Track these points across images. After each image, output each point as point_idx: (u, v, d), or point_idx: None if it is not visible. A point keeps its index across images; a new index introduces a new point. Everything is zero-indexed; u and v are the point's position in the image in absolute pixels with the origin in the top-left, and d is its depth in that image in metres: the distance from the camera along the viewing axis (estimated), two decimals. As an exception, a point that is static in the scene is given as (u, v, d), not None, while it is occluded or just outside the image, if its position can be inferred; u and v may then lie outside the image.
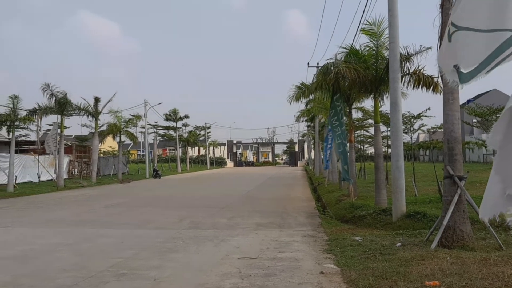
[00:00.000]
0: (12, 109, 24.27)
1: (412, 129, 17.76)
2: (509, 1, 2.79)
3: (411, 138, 18.57)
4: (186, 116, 58.65)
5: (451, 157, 7.67)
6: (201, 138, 74.35)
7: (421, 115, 17.07)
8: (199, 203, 17.37)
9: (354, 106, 18.88)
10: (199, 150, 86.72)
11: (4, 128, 25.67)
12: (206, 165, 74.23)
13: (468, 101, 51.90)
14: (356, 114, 22.10)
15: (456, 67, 3.16)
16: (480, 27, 2.97)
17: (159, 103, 53.46)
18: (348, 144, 16.28)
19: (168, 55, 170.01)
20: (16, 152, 27.51)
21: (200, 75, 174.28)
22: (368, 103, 19.50)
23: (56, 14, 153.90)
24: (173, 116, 56.76)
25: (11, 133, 25.36)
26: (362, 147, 31.22)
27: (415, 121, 17.44)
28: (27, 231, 11.03)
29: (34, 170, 29.84)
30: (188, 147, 68.23)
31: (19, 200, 20.05)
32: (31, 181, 28.98)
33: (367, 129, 25.20)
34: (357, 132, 25.16)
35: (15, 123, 24.82)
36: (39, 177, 29.61)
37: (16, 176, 25.36)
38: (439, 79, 11.54)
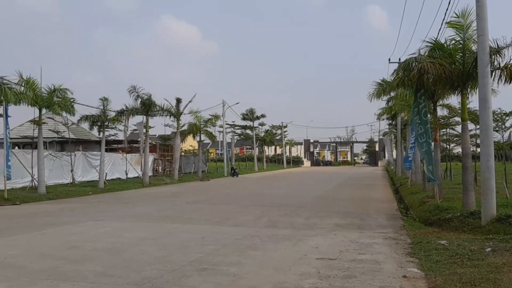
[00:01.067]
0: (103, 110, 25.98)
1: (503, 127, 16.49)
2: None
3: (502, 136, 17.24)
4: (263, 115, 59.29)
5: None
6: (277, 137, 74.66)
7: (515, 111, 15.83)
8: (276, 202, 17.44)
9: (439, 103, 17.94)
10: (275, 149, 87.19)
11: (95, 128, 27.53)
12: (282, 164, 74.48)
13: None
14: (441, 112, 20.98)
15: None
16: None
17: (236, 103, 54.64)
18: (433, 143, 15.47)
19: (245, 55, 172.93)
20: (106, 150, 29.39)
21: (276, 74, 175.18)
22: (454, 100, 18.39)
23: (142, 20, 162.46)
24: (250, 115, 57.60)
25: (101, 133, 27.18)
26: (448, 146, 29.54)
27: (507, 118, 16.18)
28: (116, 224, 11.73)
29: (122, 168, 31.71)
30: (265, 146, 68.87)
31: (109, 195, 21.40)
32: (119, 178, 30.82)
33: (453, 127, 23.82)
34: (443, 130, 23.84)
35: (105, 124, 26.54)
36: (126, 174, 31.43)
37: (106, 173, 27.10)
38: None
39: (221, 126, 50.16)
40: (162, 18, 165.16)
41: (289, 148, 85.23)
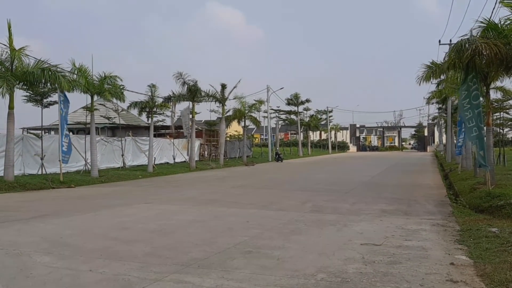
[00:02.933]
0: (151, 96, 26.65)
1: None
2: None
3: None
4: (308, 100, 58.86)
5: None
6: (322, 122, 73.98)
7: None
8: (321, 187, 17.38)
9: (492, 85, 17.17)
10: (320, 134, 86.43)
11: (144, 114, 28.31)
12: (327, 150, 73.83)
13: None
14: (494, 95, 20.09)
15: None
16: None
17: (281, 88, 54.37)
18: (485, 128, 14.87)
19: (290, 40, 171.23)
20: (154, 136, 30.19)
21: (323, 58, 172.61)
22: (508, 83, 17.60)
23: (187, 8, 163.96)
24: (294, 100, 57.33)
25: (150, 119, 27.92)
26: (501, 130, 28.30)
27: None
28: (165, 207, 12.11)
29: (170, 153, 32.53)
30: (310, 131, 68.43)
31: (158, 179, 22.06)
32: (167, 162, 31.64)
33: (507, 111, 22.80)
34: (496, 114, 22.86)
35: (153, 110, 27.23)
36: (174, 159, 32.24)
37: (154, 158, 27.91)
38: None
39: (265, 111, 50.29)
40: (206, 5, 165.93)
41: (335, 133, 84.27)
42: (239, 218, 10.05)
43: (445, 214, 10.56)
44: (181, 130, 35.26)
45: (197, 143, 34.85)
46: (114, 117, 31.10)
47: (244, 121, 39.63)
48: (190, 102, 30.63)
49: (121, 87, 22.85)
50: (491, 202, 11.20)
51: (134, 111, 29.22)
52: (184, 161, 32.54)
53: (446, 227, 8.81)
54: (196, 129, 33.23)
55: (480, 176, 16.69)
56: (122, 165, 26.52)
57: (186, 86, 29.21)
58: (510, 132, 31.88)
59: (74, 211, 11.39)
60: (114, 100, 25.40)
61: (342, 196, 14.30)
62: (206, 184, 19.07)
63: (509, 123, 24.75)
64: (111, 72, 22.03)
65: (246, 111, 38.59)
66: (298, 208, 11.67)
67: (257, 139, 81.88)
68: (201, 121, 54.83)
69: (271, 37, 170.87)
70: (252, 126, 45.55)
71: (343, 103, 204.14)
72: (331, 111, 75.00)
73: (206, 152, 39.11)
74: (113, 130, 35.82)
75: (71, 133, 25.42)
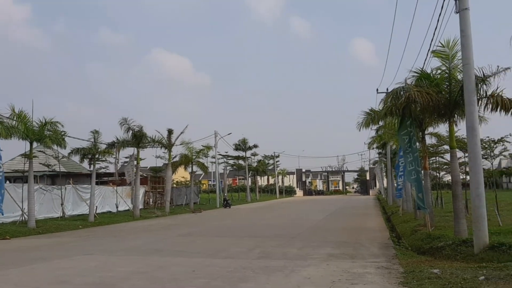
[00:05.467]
0: (93, 143, 25.92)
1: (492, 154, 16.67)
2: None
3: (492, 164, 17.42)
4: (255, 146, 59.50)
5: (538, 183, 7.10)
6: (270, 167, 74.70)
7: (503, 139, 16.03)
8: (269, 233, 17.32)
9: (427, 131, 18.17)
10: (268, 179, 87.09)
11: (86, 161, 27.39)
12: (275, 194, 74.22)
13: (555, 123, 48.17)
14: (429, 140, 21.21)
15: None
16: None
17: (229, 134, 54.34)
18: (422, 171, 15.59)
19: (237, 87, 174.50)
20: (97, 183, 29.14)
21: (268, 105, 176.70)
22: (443, 128, 18.67)
23: (132, 54, 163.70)
24: (242, 145, 57.77)
25: (92, 166, 27.03)
26: (438, 174, 29.75)
27: (495, 146, 16.38)
28: (106, 258, 11.54)
29: (113, 201, 31.40)
30: (257, 176, 68.76)
31: (99, 229, 21.12)
32: (109, 211, 30.46)
33: (442, 155, 24.05)
34: (432, 158, 24.05)
35: (96, 156, 26.43)
36: (117, 207, 31.10)
37: (96, 207, 26.81)
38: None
39: (213, 157, 50.14)
40: (152, 52, 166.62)
41: (282, 178, 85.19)
42: (185, 268, 9.74)
43: (389, 256, 10.77)
44: (125, 177, 34.36)
45: (141, 190, 33.97)
46: (54, 165, 29.82)
47: (191, 167, 39.26)
48: (135, 148, 30.07)
49: (62, 133, 22.12)
50: (432, 243, 11.59)
51: (76, 158, 28.18)
52: (128, 210, 31.48)
53: (390, 269, 8.96)
54: (140, 175, 32.48)
55: (420, 218, 17.31)
56: (61, 214, 25.25)
57: (131, 131, 28.74)
58: (446, 175, 33.51)
59: (9, 264, 10.60)
60: (55, 147, 24.46)
61: (289, 241, 14.30)
62: (151, 233, 18.47)
63: (444, 167, 26.03)
64: (52, 117, 21.34)
65: (194, 157, 38.33)
66: (246, 255, 11.51)
67: (204, 185, 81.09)
68: (146, 167, 53.71)
69: (217, 83, 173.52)
70: (199, 172, 45.19)
71: (289, 148, 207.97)
72: (278, 156, 76.12)
73: (151, 200, 38.11)
74: (53, 178, 34.29)
75: (7, 182, 24.07)
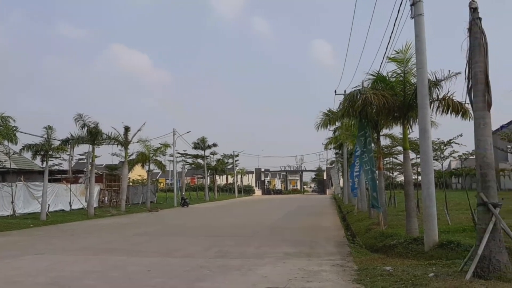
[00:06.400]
0: (47, 139, 25.04)
1: (442, 156, 17.32)
2: None
3: (442, 165, 18.10)
4: (214, 145, 59.20)
5: (484, 183, 7.45)
6: (229, 166, 74.64)
7: (451, 141, 16.70)
8: (227, 232, 17.32)
9: (382, 133, 18.67)
10: (227, 178, 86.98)
11: (39, 158, 26.43)
12: (234, 193, 74.22)
13: (502, 127, 50.63)
14: (384, 141, 21.81)
15: None
16: None
17: (188, 132, 53.71)
18: (377, 171, 16.03)
19: (196, 85, 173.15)
20: (49, 181, 28.20)
21: (228, 103, 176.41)
22: (396, 130, 19.26)
23: (91, 49, 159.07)
24: (201, 144, 57.37)
25: (45, 163, 26.10)
26: (391, 174, 30.65)
27: (445, 147, 17.04)
28: (58, 258, 11.19)
29: (66, 199, 30.45)
30: (216, 175, 68.53)
31: (51, 228, 20.43)
32: (63, 210, 29.53)
33: (396, 156, 24.80)
34: (386, 159, 24.75)
35: (49, 153, 25.55)
36: (70, 206, 30.18)
37: (48, 205, 25.93)
38: (469, 105, 11.31)
39: (171, 155, 49.59)
40: (111, 48, 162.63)
41: (241, 177, 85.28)
42: (141, 267, 9.58)
43: (344, 254, 11.00)
44: (79, 175, 33.43)
45: (96, 188, 33.12)
46: (5, 161, 28.59)
47: (149, 165, 38.65)
48: (90, 145, 29.28)
49: (14, 128, 21.25)
50: (385, 241, 11.93)
51: (28, 155, 27.20)
52: (82, 208, 30.62)
53: (345, 267, 9.16)
54: (96, 173, 31.67)
55: (374, 217, 17.77)
56: (12, 213, 24.25)
57: (86, 128, 27.96)
58: (399, 175, 34.58)
59: (-50, 267, 10.09)
60: (6, 143, 23.46)
61: (247, 240, 14.34)
62: (106, 232, 18.05)
63: (398, 167, 26.85)
64: (3, 112, 20.48)
65: (151, 155, 37.75)
66: (203, 254, 11.46)
67: (162, 184, 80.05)
68: (102, 165, 52.51)
69: (178, 81, 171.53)
70: (157, 170, 44.55)
71: (249, 148, 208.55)
72: (237, 155, 76.17)
73: (106, 198, 37.21)
74: (3, 175, 32.85)
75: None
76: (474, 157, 7.91)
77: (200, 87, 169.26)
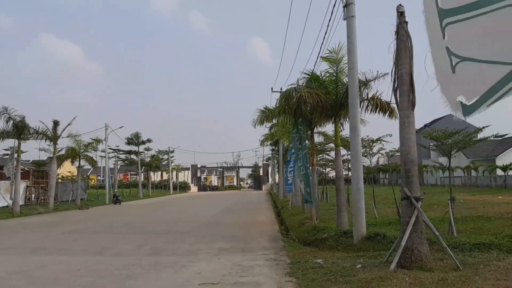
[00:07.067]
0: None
1: (371, 152, 18.10)
2: (510, 33, 2.78)
3: (371, 161, 18.93)
4: (149, 140, 57.89)
5: (407, 178, 7.88)
6: (164, 163, 73.37)
7: (380, 139, 17.51)
8: (161, 229, 17.05)
9: (316, 130, 19.19)
10: (161, 174, 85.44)
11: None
12: (169, 190, 73.13)
13: (425, 125, 53.80)
14: (318, 138, 22.44)
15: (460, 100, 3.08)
16: (485, 57, 2.92)
17: (121, 127, 52.21)
18: (310, 168, 16.47)
19: (131, 79, 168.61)
20: (-31, 177, 26.33)
21: (163, 100, 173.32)
22: (329, 128, 19.90)
23: (18, 38, 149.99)
24: (135, 140, 55.89)
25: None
26: (324, 170, 31.59)
27: (374, 144, 17.83)
28: (-23, 260, 10.49)
29: (-12, 196, 28.55)
30: (151, 172, 67.13)
31: (-30, 228, 19.09)
32: (-16, 208, 27.67)
33: (328, 153, 25.58)
34: (319, 155, 25.45)
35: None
36: (-7, 204, 28.33)
37: (-33, 203, 24.22)
38: (396, 105, 11.89)
39: (103, 151, 47.93)
40: (41, 37, 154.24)
41: (176, 174, 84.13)
42: (70, 267, 9.21)
43: (278, 248, 11.21)
44: (3, 171, 31.42)
45: (22, 185, 31.32)
46: None
47: (79, 161, 37.09)
48: (16, 140, 27.63)
49: None
50: (317, 235, 12.30)
51: None
52: (7, 206, 28.84)
53: (278, 261, 9.35)
54: (22, 169, 29.93)
55: (307, 211, 18.25)
56: None
57: (11, 122, 26.34)
58: (331, 171, 35.72)
59: None
60: None
61: (181, 237, 14.21)
62: (32, 231, 17.13)
63: (330, 163, 27.68)
64: None
65: (82, 150, 36.26)
66: (136, 252, 11.22)
67: (93, 181, 77.24)
68: (29, 161, 49.76)
69: (111, 74, 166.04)
70: (88, 166, 42.89)
71: (185, 144, 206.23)
72: (172, 152, 75.00)
73: (33, 196, 35.32)
74: None
75: None
76: (399, 154, 8.35)
77: (135, 82, 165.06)
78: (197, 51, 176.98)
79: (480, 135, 13.73)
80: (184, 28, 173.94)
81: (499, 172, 45.48)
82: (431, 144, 14.98)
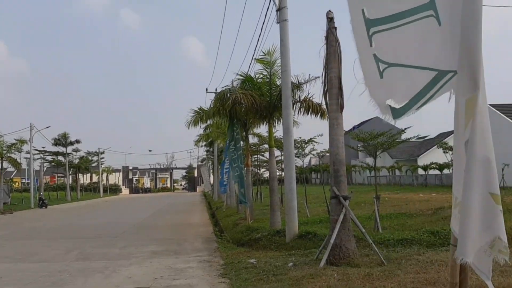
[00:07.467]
0: None
1: (303, 153, 18.58)
2: (432, 42, 2.97)
3: (303, 162, 19.43)
4: (77, 141, 55.50)
5: (336, 178, 8.18)
6: (94, 164, 70.71)
7: (311, 140, 18.01)
8: (90, 233, 16.42)
9: (250, 131, 19.38)
10: (91, 177, 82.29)
11: None
12: (99, 193, 70.56)
13: (354, 127, 56.06)
14: (252, 140, 22.67)
15: (389, 103, 3.23)
16: (411, 63, 3.07)
17: (47, 127, 49.44)
18: (244, 168, 16.60)
19: (59, 77, 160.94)
20: None
21: (93, 99, 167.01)
22: (264, 129, 20.18)
23: None
24: (62, 140, 53.36)
25: None
26: (258, 171, 31.94)
27: (306, 145, 18.31)
28: None
29: None
30: (80, 174, 64.44)
31: None
32: None
33: (263, 153, 25.90)
34: (254, 156, 25.71)
35: None
36: None
37: None
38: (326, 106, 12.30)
39: (28, 152, 45.30)
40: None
41: (107, 176, 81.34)
42: (-11, 276, 8.64)
43: (211, 250, 11.19)
44: None
45: None
46: None
47: (1, 163, 34.83)
48: None
49: None
50: (250, 235, 12.41)
51: None
52: None
53: (212, 262, 9.33)
54: None
55: (242, 212, 18.38)
56: None
57: None
58: (265, 172, 36.21)
59: None
60: None
61: (112, 241, 13.78)
62: None
63: (264, 164, 28.03)
64: None
65: (4, 152, 34.10)
66: (63, 258, 10.73)
67: (17, 184, 72.76)
68: None
69: (38, 73, 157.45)
70: (11, 168, 40.30)
71: (116, 145, 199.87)
72: (103, 153, 72.43)
73: None
74: None
75: None
76: (329, 154, 8.65)
77: (64, 80, 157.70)
78: (130, 49, 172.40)
79: (403, 137, 14.56)
80: (115, 25, 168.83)
81: (421, 171, 48.26)
82: (359, 145, 15.63)
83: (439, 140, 45.33)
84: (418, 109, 3.07)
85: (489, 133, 2.71)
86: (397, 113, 3.21)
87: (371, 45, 3.27)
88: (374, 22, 3.22)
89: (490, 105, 27.27)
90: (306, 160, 24.01)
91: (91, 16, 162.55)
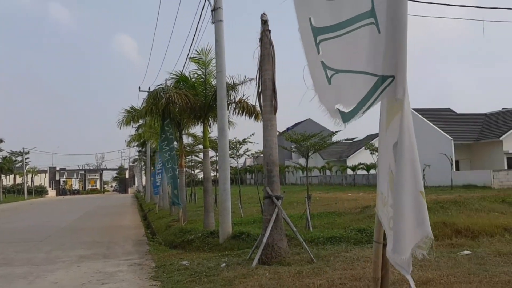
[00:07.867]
0: None
1: (238, 154, 18.67)
2: (373, 48, 3.08)
3: (238, 162, 19.52)
4: (0, 140, 52.19)
5: (269, 178, 8.31)
6: (18, 165, 66.75)
7: (246, 140, 18.12)
8: (12, 238, 15.47)
9: (185, 131, 19.16)
10: (15, 178, 77.61)
11: None
12: (23, 195, 66.68)
13: (287, 129, 57.17)
14: (187, 140, 22.42)
15: (338, 108, 3.31)
16: (356, 69, 3.16)
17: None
18: (178, 169, 16.39)
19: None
20: None
21: (17, 96, 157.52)
22: (199, 129, 20.03)
23: None
24: (-18, 139, 49.91)
25: None
26: (193, 172, 31.65)
27: (240, 146, 18.41)
28: None
29: None
30: (2, 175, 60.53)
31: None
32: None
33: (197, 154, 25.69)
34: (188, 157, 25.44)
35: None
36: None
37: None
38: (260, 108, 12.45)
39: None
40: None
41: (32, 177, 77.03)
42: None
43: (142, 253, 10.95)
44: None
45: None
46: None
47: None
48: None
49: None
50: (184, 237, 12.27)
51: None
52: None
53: (143, 265, 9.13)
54: None
55: (175, 213, 18.14)
56: None
57: None
58: (200, 173, 35.95)
59: None
60: None
61: (36, 245, 13.07)
62: None
63: (199, 165, 27.81)
64: None
65: None
66: (-19, 264, 10.03)
67: None
68: None
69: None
70: None
71: (42, 145, 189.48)
72: (27, 153, 68.55)
73: None
74: None
75: None
76: (263, 155, 8.77)
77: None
78: (57, 43, 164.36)
79: (333, 138, 15.06)
80: (44, 19, 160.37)
81: (350, 171, 50.18)
82: (292, 146, 15.97)
83: (367, 142, 47.38)
84: (364, 113, 3.20)
85: (414, 135, 2.89)
86: (346, 117, 3.33)
87: (318, 53, 3.38)
88: (320, 30, 3.34)
89: (413, 109, 28.97)
90: (241, 160, 24.16)
91: (19, 8, 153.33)
